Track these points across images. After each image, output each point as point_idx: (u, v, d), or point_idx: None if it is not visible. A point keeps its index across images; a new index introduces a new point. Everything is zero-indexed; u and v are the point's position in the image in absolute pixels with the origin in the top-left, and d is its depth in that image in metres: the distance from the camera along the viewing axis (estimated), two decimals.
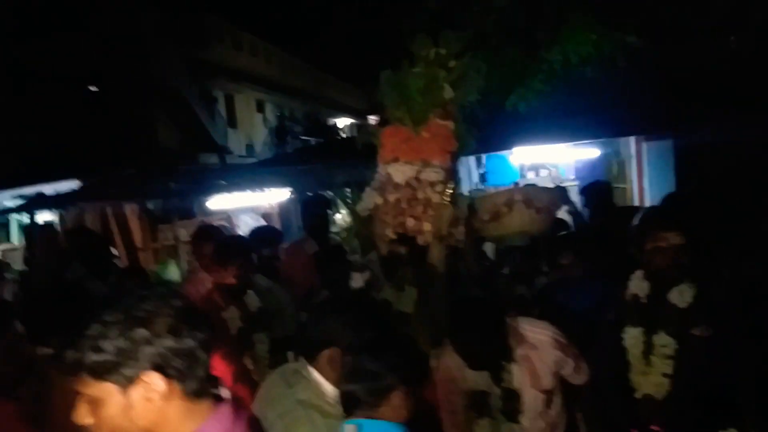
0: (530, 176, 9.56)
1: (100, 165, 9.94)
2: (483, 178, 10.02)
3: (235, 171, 9.44)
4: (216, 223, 8.73)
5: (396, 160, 3.59)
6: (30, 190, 10.09)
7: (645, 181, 7.52)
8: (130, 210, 8.49)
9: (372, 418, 1.68)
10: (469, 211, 3.63)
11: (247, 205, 9.06)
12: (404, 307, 3.19)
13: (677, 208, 3.66)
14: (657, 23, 6.45)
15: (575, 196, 5.27)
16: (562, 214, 4.34)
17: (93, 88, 13.56)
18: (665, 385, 2.33)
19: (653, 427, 2.39)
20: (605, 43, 6.34)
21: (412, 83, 3.58)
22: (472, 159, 9.84)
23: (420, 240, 3.47)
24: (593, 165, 9.34)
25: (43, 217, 9.53)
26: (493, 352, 2.27)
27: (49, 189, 9.47)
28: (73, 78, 12.75)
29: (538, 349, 2.38)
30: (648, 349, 2.36)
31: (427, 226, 3.48)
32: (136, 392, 1.19)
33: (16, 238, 12.64)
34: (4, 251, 11.50)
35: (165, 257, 8.27)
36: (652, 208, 4.18)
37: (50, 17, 12.58)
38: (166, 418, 1.21)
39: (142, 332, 1.18)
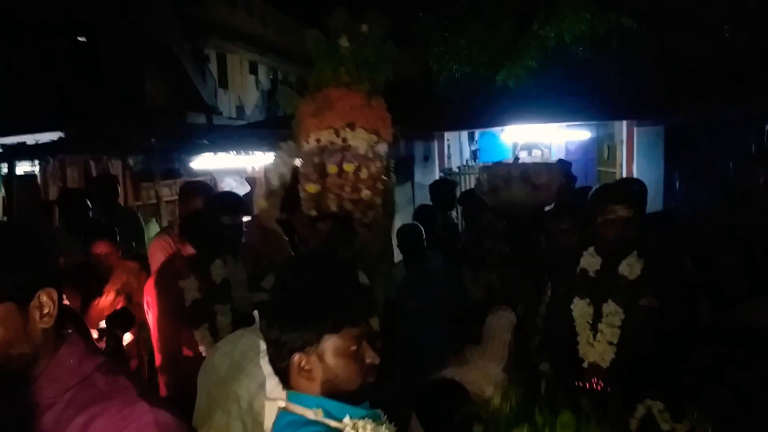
0: (522, 155, 9.52)
1: (84, 118, 9.74)
2: (475, 155, 9.97)
3: (221, 131, 9.28)
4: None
5: (353, 125, 3.43)
6: (11, 140, 9.89)
7: (634, 165, 7.49)
8: (113, 166, 8.36)
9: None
10: (477, 182, 3.64)
11: (231, 167, 8.94)
12: None
13: (627, 185, 3.69)
14: (652, 8, 6.35)
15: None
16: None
17: (81, 39, 13.23)
18: (610, 353, 2.46)
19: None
20: (600, 24, 6.23)
21: (365, 51, 3.50)
22: (464, 135, 9.78)
23: (369, 215, 3.42)
24: (585, 147, 9.31)
25: (24, 167, 9.38)
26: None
27: (30, 139, 9.29)
28: (62, 27, 12.42)
29: None
30: (596, 319, 2.50)
31: (378, 201, 3.41)
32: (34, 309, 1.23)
33: None
34: None
35: (147, 216, 8.17)
36: (604, 185, 4.19)
37: None
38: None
39: None
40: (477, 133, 9.93)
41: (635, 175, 7.57)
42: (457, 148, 10.12)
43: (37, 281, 1.23)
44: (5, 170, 8.93)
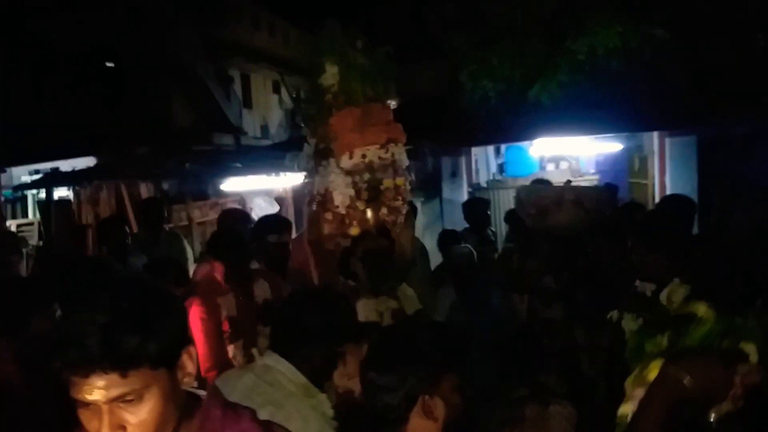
0: (550, 168, 9.43)
1: (115, 142, 9.93)
2: (501, 168, 9.92)
3: (251, 153, 9.38)
4: (230, 205, 8.72)
5: (394, 141, 3.59)
6: (46, 166, 10.12)
7: (667, 177, 7.39)
8: (145, 189, 8.49)
9: None
10: (517, 201, 3.62)
11: (261, 188, 9.01)
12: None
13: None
14: (685, 17, 6.30)
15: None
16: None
17: (110, 64, 13.51)
18: None
19: None
20: (632, 36, 6.19)
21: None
22: (490, 149, 9.73)
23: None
24: (615, 159, 9.20)
25: (59, 193, 9.56)
26: None
27: (65, 165, 9.49)
28: (91, 54, 12.70)
29: None
30: None
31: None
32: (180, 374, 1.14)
33: (32, 213, 12.71)
34: (20, 226, 11.56)
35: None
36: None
37: None
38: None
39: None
40: (503, 146, 9.89)
41: (668, 187, 7.47)
42: (484, 162, 10.08)
43: (184, 340, 1.15)
44: (42, 195, 9.13)
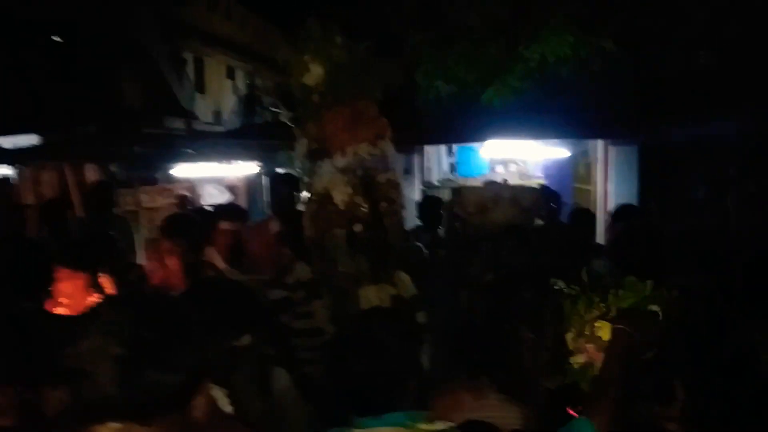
0: (499, 170, 9.68)
1: (60, 120, 9.60)
2: (453, 168, 10.11)
3: (204, 140, 9.26)
4: (179, 191, 8.60)
5: (382, 137, 3.68)
6: None
7: (609, 183, 7.70)
8: (91, 171, 8.27)
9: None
10: (453, 198, 3.73)
11: (212, 176, 8.93)
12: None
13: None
14: (632, 32, 6.57)
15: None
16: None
17: (57, 39, 13.02)
18: None
19: None
20: (582, 46, 6.42)
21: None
22: (442, 148, 9.90)
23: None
24: (561, 164, 9.51)
25: (0, 170, 9.19)
26: None
27: (7, 143, 9.12)
28: (39, 27, 12.21)
29: None
30: None
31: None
32: None
33: None
34: None
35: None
36: None
37: None
38: None
39: None
40: (455, 146, 10.08)
41: (610, 193, 7.79)
42: (436, 162, 10.26)
43: None
44: None
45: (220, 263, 3.58)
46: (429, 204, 5.49)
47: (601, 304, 2.01)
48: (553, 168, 9.83)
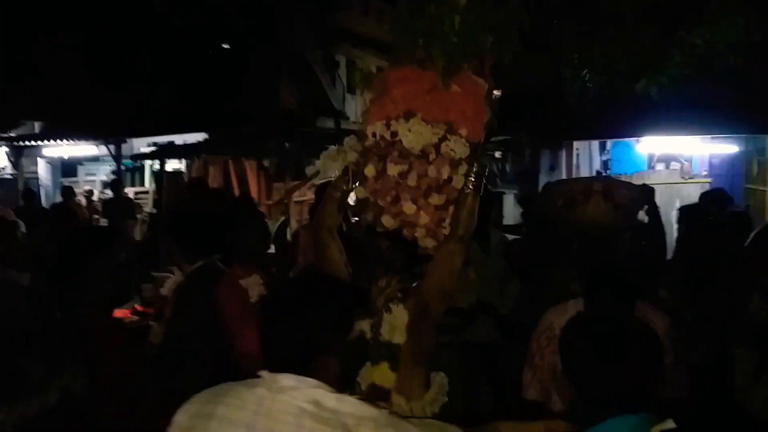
0: (659, 168, 8.97)
1: (225, 120, 10.46)
2: (606, 165, 9.57)
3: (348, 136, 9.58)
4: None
5: (411, 115, 2.28)
6: (162, 139, 10.85)
7: None
8: (249, 166, 8.93)
9: None
10: (544, 194, 3.41)
11: None
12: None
13: None
14: None
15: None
16: (641, 215, 3.88)
17: (226, 46, 14.20)
18: None
19: None
20: (755, 30, 5.68)
21: (448, 16, 2.28)
22: (594, 145, 9.38)
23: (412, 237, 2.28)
24: (731, 162, 8.62)
25: (173, 164, 10.24)
26: None
27: (179, 140, 10.13)
28: (209, 35, 13.40)
29: None
30: None
31: (424, 219, 2.20)
32: None
33: (148, 182, 13.71)
34: (137, 193, 12.51)
35: (278, 215, 8.64)
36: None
37: None
38: None
39: None
40: (609, 142, 9.50)
41: None
42: (587, 158, 9.73)
43: None
44: (157, 167, 9.81)
45: None
46: (526, 200, 5.32)
47: None
48: (722, 166, 8.92)
